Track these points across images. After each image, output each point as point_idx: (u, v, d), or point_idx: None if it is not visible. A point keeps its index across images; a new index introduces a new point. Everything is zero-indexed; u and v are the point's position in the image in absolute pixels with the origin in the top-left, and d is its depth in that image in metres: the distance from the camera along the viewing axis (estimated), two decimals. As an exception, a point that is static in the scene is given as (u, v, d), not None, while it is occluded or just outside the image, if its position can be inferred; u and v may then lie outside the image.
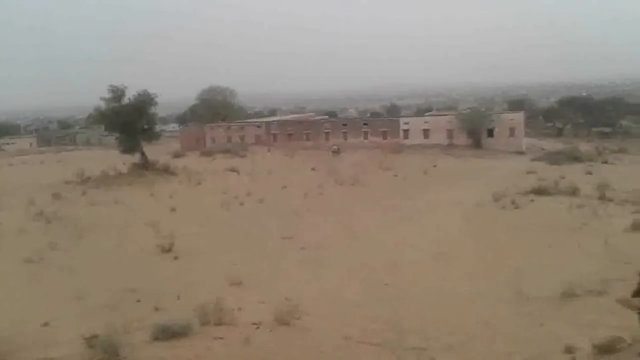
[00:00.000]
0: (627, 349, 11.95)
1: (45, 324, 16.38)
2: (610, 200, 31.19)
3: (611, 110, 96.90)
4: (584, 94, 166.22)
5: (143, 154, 53.62)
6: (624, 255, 19.86)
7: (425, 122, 74.46)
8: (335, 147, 68.34)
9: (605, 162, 52.63)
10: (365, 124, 77.81)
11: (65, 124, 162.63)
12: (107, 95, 51.35)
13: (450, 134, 70.44)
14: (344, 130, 75.89)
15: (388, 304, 18.08)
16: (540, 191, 34.62)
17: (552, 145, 71.90)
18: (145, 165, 52.43)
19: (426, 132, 72.02)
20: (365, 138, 73.94)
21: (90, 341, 13.50)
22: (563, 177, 39.95)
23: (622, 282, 16.28)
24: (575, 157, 53.61)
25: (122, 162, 53.05)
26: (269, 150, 70.63)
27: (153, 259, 24.11)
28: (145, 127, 54.19)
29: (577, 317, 14.95)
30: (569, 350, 12.58)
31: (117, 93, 51.53)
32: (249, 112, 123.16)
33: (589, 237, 23.44)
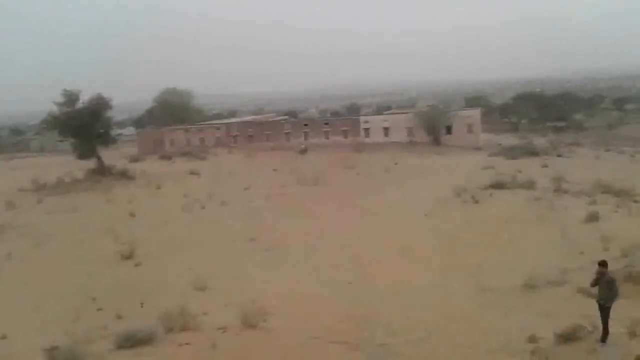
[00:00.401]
0: (588, 336, 12.32)
1: (3, 337, 15.84)
2: (566, 192, 32.08)
3: (564, 105, 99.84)
4: (538, 90, 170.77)
5: (99, 158, 52.39)
6: (580, 246, 20.47)
7: (385, 121, 75.08)
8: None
9: (560, 156, 54.14)
10: (326, 124, 77.94)
11: (17, 131, 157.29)
12: (61, 99, 49.96)
13: (410, 131, 71.21)
14: (305, 131, 75.87)
15: (354, 302, 18.16)
16: (498, 185, 35.35)
17: (508, 140, 73.59)
18: (102, 171, 51.20)
19: (386, 130, 72.64)
20: (327, 138, 74.05)
21: (51, 352, 13.10)
22: (520, 171, 40.89)
23: (580, 272, 16.80)
24: (531, 152, 54.95)
25: (78, 168, 51.70)
26: (230, 152, 69.99)
27: (113, 267, 23.58)
28: (101, 131, 52.92)
29: (539, 307, 15.31)
30: (532, 339, 12.88)
31: (71, 97, 50.17)
32: (208, 114, 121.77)
33: (547, 229, 24.06)
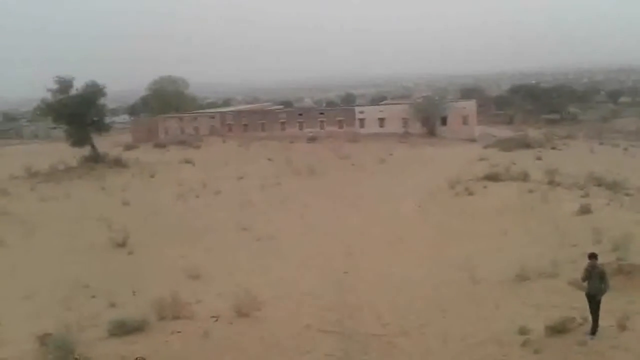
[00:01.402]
0: (578, 328, 12.40)
1: (-6, 324, 15.82)
2: (559, 184, 32.16)
3: (558, 98, 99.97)
4: (533, 82, 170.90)
5: (93, 146, 52.16)
6: (572, 238, 20.53)
7: (381, 111, 74.94)
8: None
9: (554, 148, 54.21)
10: (321, 114, 77.71)
11: (9, 117, 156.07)
12: (54, 86, 49.61)
13: (405, 122, 71.12)
14: (300, 120, 75.62)
15: (345, 292, 18.22)
16: (492, 177, 35.39)
17: (503, 132, 73.64)
18: (95, 158, 51.01)
19: (382, 121, 72.52)
20: (322, 128, 73.84)
21: (43, 339, 13.12)
22: (514, 163, 40.97)
23: (571, 264, 16.86)
24: (525, 144, 54.98)
25: (71, 155, 51.46)
26: (224, 141, 69.70)
27: (107, 255, 23.56)
28: (95, 118, 52.65)
29: (530, 299, 15.38)
30: (522, 331, 12.95)
31: (64, 84, 49.82)
32: (202, 102, 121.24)
33: (540, 221, 24.13)
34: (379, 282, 19.13)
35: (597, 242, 19.06)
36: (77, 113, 49.86)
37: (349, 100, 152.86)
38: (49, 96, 50.37)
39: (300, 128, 74.63)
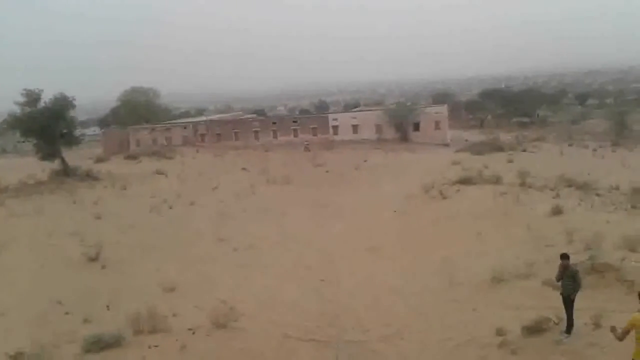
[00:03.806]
0: (554, 328, 12.59)
1: (-36, 345, 15.32)
2: (531, 186, 32.65)
3: (528, 101, 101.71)
4: (503, 86, 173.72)
5: (63, 159, 51.18)
6: (545, 239, 20.86)
7: (354, 118, 75.30)
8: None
9: (525, 151, 55.06)
10: (294, 122, 77.72)
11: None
12: (21, 99, 48.64)
13: (378, 128, 71.57)
14: (273, 129, 75.51)
15: (325, 300, 18.19)
16: (465, 181, 35.76)
17: (475, 136, 74.64)
18: (66, 172, 50.00)
19: (355, 128, 72.87)
20: (296, 136, 73.84)
21: (16, 358, 12.80)
22: (486, 167, 41.48)
23: (545, 265, 17.12)
24: (497, 147, 55.72)
25: (41, 169, 50.44)
26: (197, 151, 69.19)
27: (80, 270, 23.04)
28: (64, 131, 51.61)
29: (506, 300, 15.57)
30: (499, 332, 13.11)
31: (32, 97, 48.87)
32: (174, 112, 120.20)
33: (513, 223, 24.46)
34: (359, 289, 19.16)
35: (570, 242, 19.41)
36: (45, 126, 48.86)
37: (322, 107, 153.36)
38: (16, 109, 49.39)
39: (275, 136, 74.54)
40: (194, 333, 14.78)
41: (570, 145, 59.89)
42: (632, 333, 8.89)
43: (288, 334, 14.90)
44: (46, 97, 49.67)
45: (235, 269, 22.49)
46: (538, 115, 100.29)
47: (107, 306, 18.12)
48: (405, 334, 14.50)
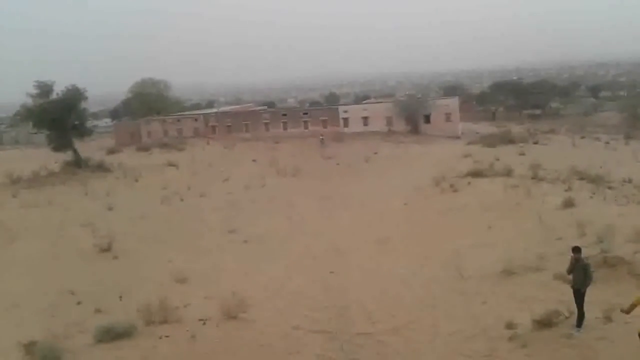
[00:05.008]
0: (564, 321, 12.53)
1: (-21, 334, 15.55)
2: (542, 179, 32.45)
3: (540, 93, 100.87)
4: (514, 78, 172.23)
5: (75, 151, 51.59)
6: (557, 232, 20.73)
7: (364, 110, 74.99)
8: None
9: (536, 143, 54.66)
10: (305, 114, 77.55)
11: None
12: (34, 91, 49.05)
13: (389, 120, 71.24)
14: (283, 121, 75.41)
15: (334, 291, 18.22)
16: (476, 173, 35.62)
17: (486, 128, 74.17)
18: (78, 163, 50.42)
19: (365, 120, 72.60)
20: (306, 128, 73.70)
21: (29, 348, 12.98)
22: (498, 159, 41.25)
23: (556, 258, 17.02)
24: (508, 139, 55.38)
25: (53, 160, 50.88)
26: (208, 143, 69.36)
27: (92, 260, 23.29)
28: (76, 123, 52.05)
29: (516, 293, 15.52)
30: (509, 326, 13.07)
31: (44, 89, 49.25)
32: (185, 104, 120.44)
33: (524, 216, 24.32)
34: (368, 280, 19.16)
35: (581, 235, 19.27)
36: (57, 118, 49.27)
37: (332, 99, 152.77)
38: (29, 101, 49.83)
39: (285, 128, 74.48)
40: (204, 324, 14.89)
41: (582, 137, 59.34)
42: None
43: (297, 325, 14.97)
44: (58, 89, 50.06)
45: (245, 260, 22.59)
46: (550, 107, 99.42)
47: (120, 297, 18.28)
48: (413, 326, 14.49)
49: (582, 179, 31.65)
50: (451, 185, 32.95)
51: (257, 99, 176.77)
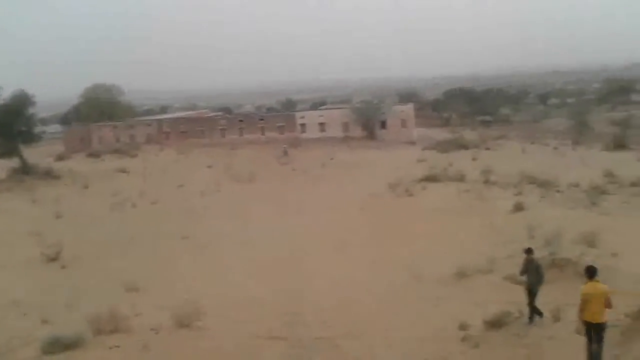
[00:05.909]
0: (515, 321, 12.81)
1: None
2: (494, 183, 33.26)
3: (492, 100, 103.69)
4: (467, 86, 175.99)
5: (22, 157, 49.94)
6: (507, 235, 21.25)
7: (321, 116, 75.34)
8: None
9: (488, 149, 56.08)
10: (261, 119, 77.34)
11: None
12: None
13: (345, 126, 71.76)
14: (240, 127, 74.96)
15: (291, 297, 18.08)
16: (431, 178, 36.23)
17: (440, 134, 75.59)
18: (25, 170, 48.80)
19: (322, 126, 72.93)
20: (262, 133, 73.47)
21: (-32, 363, 12.35)
22: (451, 164, 42.06)
23: (507, 260, 17.43)
24: (461, 145, 56.67)
25: (-1, 167, 49.11)
26: (161, 149, 68.15)
27: (38, 270, 22.48)
28: (23, 129, 50.49)
29: (469, 295, 15.78)
30: (462, 327, 13.27)
31: (-10, 94, 47.59)
32: (138, 110, 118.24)
33: (477, 220, 24.84)
34: (324, 286, 19.11)
35: (531, 237, 19.81)
36: (4, 123, 47.70)
37: (289, 106, 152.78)
38: None
39: (241, 134, 74.00)
40: (156, 333, 14.51)
41: (532, 143, 61.14)
42: None
43: (252, 332, 14.77)
44: (5, 94, 48.51)
45: (200, 268, 22.21)
46: (501, 114, 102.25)
47: (67, 306, 17.65)
48: (369, 329, 14.52)
49: (531, 183, 32.59)
50: (406, 190, 33.35)
51: (213, 105, 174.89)
